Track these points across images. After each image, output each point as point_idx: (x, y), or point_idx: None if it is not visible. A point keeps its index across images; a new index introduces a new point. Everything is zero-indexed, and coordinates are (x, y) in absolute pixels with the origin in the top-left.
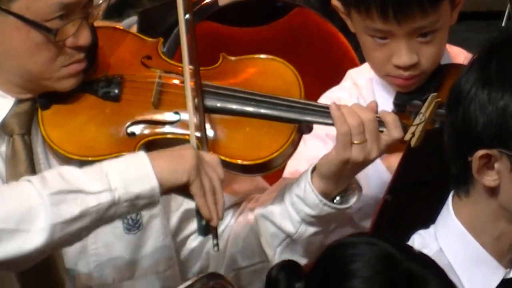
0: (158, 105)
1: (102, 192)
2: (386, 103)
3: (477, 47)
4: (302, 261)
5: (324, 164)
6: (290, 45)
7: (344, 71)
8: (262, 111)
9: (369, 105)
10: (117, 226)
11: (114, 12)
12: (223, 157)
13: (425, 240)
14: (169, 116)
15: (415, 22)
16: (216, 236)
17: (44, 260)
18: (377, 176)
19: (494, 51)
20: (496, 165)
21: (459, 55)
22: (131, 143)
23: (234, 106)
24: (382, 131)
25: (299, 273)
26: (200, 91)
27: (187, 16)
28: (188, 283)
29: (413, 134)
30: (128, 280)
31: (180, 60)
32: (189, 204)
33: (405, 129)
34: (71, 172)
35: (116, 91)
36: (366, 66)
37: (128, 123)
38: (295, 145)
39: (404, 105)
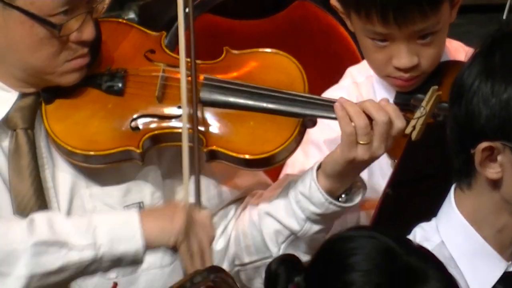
0: (162, 99)
1: (86, 247)
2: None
3: (477, 41)
4: (305, 257)
5: (329, 163)
6: (291, 38)
7: (345, 64)
8: (266, 105)
9: (381, 102)
10: None
11: (115, 5)
12: (227, 151)
13: (426, 233)
14: (173, 110)
15: (416, 25)
16: None
17: None
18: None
19: (497, 44)
20: (499, 158)
21: (459, 50)
22: (135, 137)
23: (238, 100)
24: None
25: (298, 267)
26: (195, 85)
27: (187, 10)
28: (188, 276)
29: (414, 127)
30: (131, 274)
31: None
32: (192, 199)
33: (407, 121)
34: (59, 221)
35: (120, 85)
36: (365, 63)
37: (132, 117)
38: (299, 139)
39: (404, 104)
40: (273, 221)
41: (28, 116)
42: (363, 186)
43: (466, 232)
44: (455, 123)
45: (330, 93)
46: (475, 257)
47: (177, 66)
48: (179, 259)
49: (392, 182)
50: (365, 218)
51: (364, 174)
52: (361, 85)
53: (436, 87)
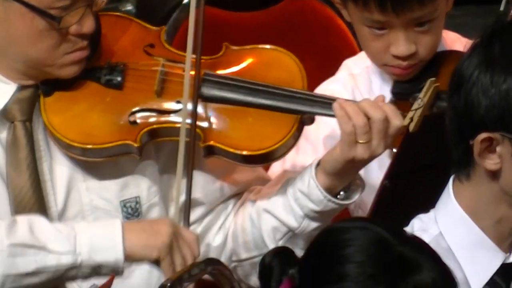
0: (160, 94)
1: (65, 253)
2: (383, 92)
3: (474, 32)
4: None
5: (329, 161)
6: (288, 30)
7: (342, 56)
8: (265, 101)
9: (377, 100)
10: (116, 214)
11: None
12: (225, 147)
13: (425, 224)
14: (171, 105)
15: (413, 12)
16: None
17: None
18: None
19: (497, 35)
20: (498, 149)
21: (456, 41)
22: (133, 131)
23: (236, 96)
24: None
25: (292, 259)
26: (198, 81)
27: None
28: (185, 269)
29: (412, 119)
30: (127, 267)
31: (178, 46)
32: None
33: (403, 115)
34: (41, 226)
35: (119, 79)
36: (362, 55)
37: (131, 111)
38: (297, 136)
39: (403, 93)
40: (271, 218)
41: (27, 108)
42: (361, 183)
43: (464, 223)
44: (454, 113)
45: (326, 86)
46: (474, 249)
47: (176, 61)
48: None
49: (390, 174)
50: None
51: None
52: (357, 77)
53: (433, 79)
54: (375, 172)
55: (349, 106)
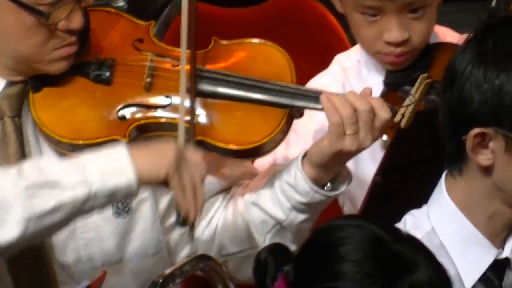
0: (149, 89)
1: (78, 185)
2: (376, 83)
3: (467, 28)
4: (292, 247)
5: (316, 153)
6: (280, 26)
7: (334, 52)
8: (253, 95)
9: (363, 92)
10: (106, 210)
11: None
12: (214, 142)
13: (417, 220)
14: (160, 100)
15: None
16: (193, 228)
17: (33, 249)
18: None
19: (490, 30)
20: (491, 144)
21: (446, 35)
22: (122, 127)
23: (225, 91)
24: None
25: (287, 256)
26: (194, 76)
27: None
28: (177, 265)
29: (403, 115)
30: (117, 264)
31: (169, 42)
32: None
33: (394, 111)
34: (48, 164)
35: (108, 74)
36: (354, 50)
37: (119, 107)
38: (286, 130)
39: (395, 84)
40: (259, 211)
41: (16, 104)
42: (348, 175)
43: (457, 218)
44: (447, 109)
45: (317, 79)
46: (466, 244)
47: (164, 55)
48: (171, 193)
49: (382, 169)
50: None
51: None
52: (348, 70)
53: (425, 75)
54: (367, 166)
55: (336, 98)
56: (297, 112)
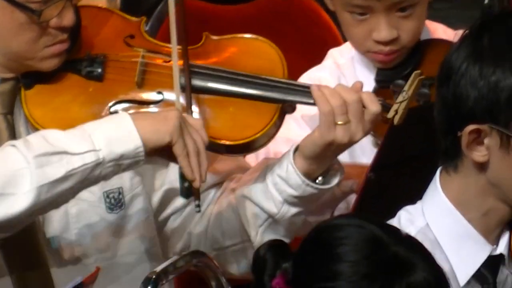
0: (141, 85)
1: (87, 152)
2: (367, 80)
3: (459, 24)
4: (285, 240)
5: (308, 146)
6: (273, 22)
7: (326, 48)
8: (246, 90)
9: (353, 86)
10: (99, 205)
11: None
12: None
13: (412, 216)
14: (152, 95)
15: None
16: (198, 198)
17: (26, 239)
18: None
19: (486, 27)
20: (486, 141)
21: (438, 30)
22: None
23: (217, 86)
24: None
25: (287, 253)
26: (188, 71)
27: None
28: (170, 261)
29: (396, 111)
30: (111, 259)
31: (163, 38)
32: (171, 184)
33: (388, 107)
34: (54, 135)
35: (99, 70)
36: (347, 45)
37: (112, 103)
38: (278, 125)
39: (386, 81)
40: (251, 205)
41: (8, 101)
42: (340, 168)
43: (451, 215)
44: (443, 105)
45: (312, 73)
46: (460, 240)
47: (156, 51)
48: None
49: (375, 166)
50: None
51: (345, 153)
52: (343, 66)
53: (418, 71)
54: (359, 161)
55: (326, 88)
56: (290, 107)
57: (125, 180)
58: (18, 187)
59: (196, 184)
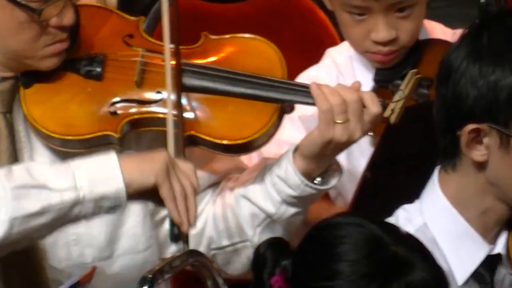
0: (140, 84)
1: (67, 189)
2: (366, 80)
3: (457, 23)
4: None
5: (307, 145)
6: (270, 21)
7: (323, 48)
8: (245, 90)
9: (353, 85)
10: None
11: None
12: (205, 137)
13: (409, 215)
14: (151, 95)
15: None
16: (186, 242)
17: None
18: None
19: (485, 26)
20: (485, 140)
21: (436, 29)
22: (114, 122)
23: (216, 86)
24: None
25: (286, 251)
26: (178, 71)
27: None
28: (167, 260)
29: (393, 110)
30: (107, 259)
31: (159, 37)
32: None
33: (384, 106)
34: (38, 168)
35: (99, 69)
36: (345, 44)
37: (111, 102)
38: (277, 124)
39: (385, 81)
40: (249, 204)
41: (7, 100)
42: (338, 169)
43: (449, 214)
44: (442, 104)
45: (310, 72)
46: (459, 240)
47: (155, 51)
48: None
49: (371, 165)
50: None
51: (343, 154)
52: (341, 65)
53: (415, 70)
54: (359, 161)
55: (326, 87)
56: (289, 107)
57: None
58: None
59: (183, 228)
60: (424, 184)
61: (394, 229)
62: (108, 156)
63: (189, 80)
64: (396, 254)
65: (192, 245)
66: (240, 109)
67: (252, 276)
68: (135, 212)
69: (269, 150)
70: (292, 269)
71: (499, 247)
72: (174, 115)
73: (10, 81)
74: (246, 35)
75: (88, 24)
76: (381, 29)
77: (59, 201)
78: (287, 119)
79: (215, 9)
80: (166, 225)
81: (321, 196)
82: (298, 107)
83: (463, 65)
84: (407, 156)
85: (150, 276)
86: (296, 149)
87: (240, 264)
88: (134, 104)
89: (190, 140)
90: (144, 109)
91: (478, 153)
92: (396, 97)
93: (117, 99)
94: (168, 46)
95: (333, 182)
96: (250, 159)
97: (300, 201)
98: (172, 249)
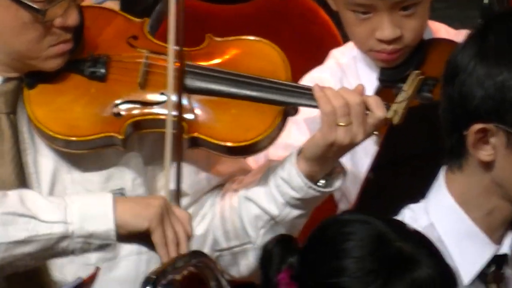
0: (144, 86)
1: (56, 222)
2: (370, 80)
3: (458, 24)
4: None
5: (310, 147)
6: (272, 22)
7: (326, 48)
8: (249, 92)
9: (356, 88)
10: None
11: None
12: (208, 139)
13: (416, 214)
14: (155, 97)
15: None
16: None
17: None
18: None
19: (492, 26)
20: (492, 140)
21: (440, 30)
22: (117, 123)
23: (220, 87)
24: (366, 114)
25: (293, 248)
26: (181, 72)
27: None
28: (170, 261)
29: (396, 111)
30: (111, 260)
31: (161, 38)
32: (173, 185)
33: (388, 108)
34: (31, 197)
35: (102, 70)
36: (349, 45)
37: (114, 103)
38: (281, 127)
39: (389, 81)
40: (253, 206)
41: (11, 100)
42: (342, 171)
43: (455, 213)
44: (448, 104)
45: (314, 74)
46: (464, 239)
47: (159, 52)
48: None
49: (374, 166)
50: None
51: (347, 155)
52: (345, 66)
53: (418, 71)
54: (362, 162)
55: (329, 89)
56: (292, 109)
57: (127, 181)
58: None
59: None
60: (427, 184)
61: (401, 226)
62: (104, 195)
63: (193, 82)
64: (401, 251)
65: (195, 247)
66: (243, 111)
67: (260, 273)
68: None
69: (276, 153)
70: (298, 266)
71: (505, 247)
72: (174, 116)
73: (14, 82)
74: (250, 37)
75: (92, 25)
76: (385, 28)
77: (47, 232)
78: (293, 122)
79: (215, 10)
80: None
81: (326, 197)
82: (305, 111)
83: (470, 65)
84: (410, 156)
85: (154, 277)
86: (300, 152)
87: (243, 266)
88: (137, 106)
89: (193, 142)
90: (148, 110)
91: (485, 153)
92: (399, 98)
93: (120, 100)
94: (172, 47)
95: (337, 184)
96: (256, 162)
97: (303, 203)
98: None
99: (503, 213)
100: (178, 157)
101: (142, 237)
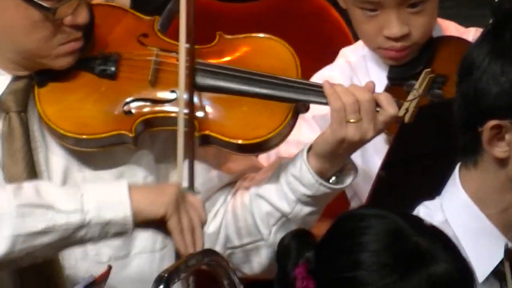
0: (154, 84)
1: (73, 212)
2: (380, 78)
3: (467, 23)
4: None
5: (320, 143)
6: (282, 20)
7: (336, 47)
8: (259, 90)
9: (366, 85)
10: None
11: None
12: (220, 136)
13: (430, 211)
14: (166, 94)
15: None
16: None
17: None
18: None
19: (507, 23)
20: (507, 136)
21: (450, 28)
22: (128, 121)
23: (231, 85)
24: (377, 111)
25: (310, 242)
26: (192, 70)
27: None
28: (182, 259)
29: (407, 110)
30: (124, 258)
31: (173, 36)
32: (186, 183)
33: (399, 105)
34: (47, 188)
35: (113, 68)
36: (359, 44)
37: (125, 101)
38: (292, 124)
39: (399, 79)
40: (265, 203)
41: (21, 99)
42: (353, 168)
43: (470, 211)
44: (463, 100)
45: (323, 73)
46: (478, 236)
47: (170, 50)
48: (170, 237)
49: (385, 164)
50: None
51: (358, 152)
52: (355, 64)
53: (429, 69)
54: (374, 160)
55: (339, 86)
56: (303, 107)
57: (138, 179)
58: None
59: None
60: (438, 182)
61: (418, 221)
62: (119, 183)
63: (203, 80)
64: (417, 245)
65: (207, 245)
66: (254, 108)
67: (276, 267)
68: None
69: (287, 151)
70: (316, 261)
71: None
72: (185, 114)
73: (24, 80)
74: (261, 35)
75: (102, 24)
76: (393, 25)
77: (65, 222)
78: (304, 120)
79: (226, 8)
80: None
81: (338, 195)
82: (316, 108)
83: (485, 62)
84: (421, 155)
85: (166, 275)
86: (310, 148)
87: (256, 263)
88: (148, 104)
89: (204, 140)
90: (158, 108)
91: (500, 150)
92: (410, 96)
93: (131, 98)
94: (183, 45)
95: (348, 181)
96: (268, 160)
97: (314, 200)
98: None
99: None
100: (191, 155)
101: (157, 224)
